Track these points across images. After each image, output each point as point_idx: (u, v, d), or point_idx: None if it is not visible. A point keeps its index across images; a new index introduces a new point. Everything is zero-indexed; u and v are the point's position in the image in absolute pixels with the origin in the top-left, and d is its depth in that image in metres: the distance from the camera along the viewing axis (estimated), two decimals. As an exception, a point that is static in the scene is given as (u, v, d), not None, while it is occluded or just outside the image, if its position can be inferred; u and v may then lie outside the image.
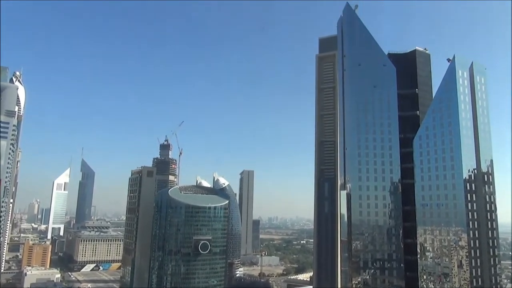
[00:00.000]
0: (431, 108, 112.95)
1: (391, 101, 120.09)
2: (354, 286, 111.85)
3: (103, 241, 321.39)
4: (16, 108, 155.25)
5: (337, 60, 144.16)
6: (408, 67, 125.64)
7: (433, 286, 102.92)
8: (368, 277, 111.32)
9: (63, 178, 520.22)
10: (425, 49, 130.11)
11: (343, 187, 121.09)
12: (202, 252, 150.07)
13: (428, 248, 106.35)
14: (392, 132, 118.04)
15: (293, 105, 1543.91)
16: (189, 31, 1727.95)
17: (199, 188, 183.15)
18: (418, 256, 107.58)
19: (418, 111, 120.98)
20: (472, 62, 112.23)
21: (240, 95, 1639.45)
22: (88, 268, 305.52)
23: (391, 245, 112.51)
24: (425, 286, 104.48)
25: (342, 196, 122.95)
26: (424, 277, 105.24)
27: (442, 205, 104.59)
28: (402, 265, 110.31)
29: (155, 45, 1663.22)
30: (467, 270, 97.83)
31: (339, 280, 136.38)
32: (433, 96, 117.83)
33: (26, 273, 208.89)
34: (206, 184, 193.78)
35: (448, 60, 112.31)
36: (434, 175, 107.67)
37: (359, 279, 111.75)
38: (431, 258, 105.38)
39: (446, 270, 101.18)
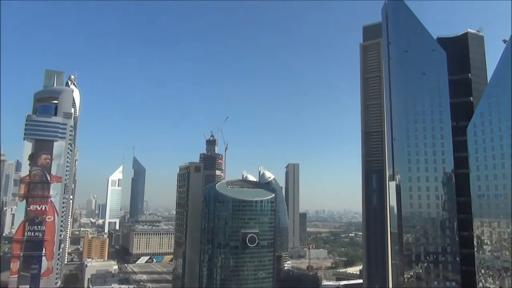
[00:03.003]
0: (486, 93, 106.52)
1: (441, 88, 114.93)
2: (406, 279, 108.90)
3: (156, 234, 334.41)
4: (72, 110, 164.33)
5: (382, 48, 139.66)
6: (460, 51, 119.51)
7: (492, 281, 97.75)
8: (421, 270, 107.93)
9: (117, 175, 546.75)
10: (478, 30, 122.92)
11: (392, 178, 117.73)
12: (250, 245, 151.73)
13: (485, 241, 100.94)
14: (443, 120, 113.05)
15: (339, 96, 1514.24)
16: (232, 28, 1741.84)
17: (245, 182, 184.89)
18: (475, 249, 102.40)
19: (471, 97, 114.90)
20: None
21: (283, 88, 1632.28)
22: (142, 260, 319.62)
23: (445, 238, 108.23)
24: (483, 280, 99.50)
25: (391, 187, 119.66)
26: (482, 271, 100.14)
27: (501, 195, 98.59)
28: (457, 258, 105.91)
29: (201, 43, 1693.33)
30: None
31: (390, 274, 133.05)
32: (488, 80, 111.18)
33: (86, 265, 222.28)
34: (252, 178, 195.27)
35: (504, 41, 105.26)
36: (491, 164, 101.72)
37: (411, 273, 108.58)
38: (489, 251, 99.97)
39: (506, 264, 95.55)
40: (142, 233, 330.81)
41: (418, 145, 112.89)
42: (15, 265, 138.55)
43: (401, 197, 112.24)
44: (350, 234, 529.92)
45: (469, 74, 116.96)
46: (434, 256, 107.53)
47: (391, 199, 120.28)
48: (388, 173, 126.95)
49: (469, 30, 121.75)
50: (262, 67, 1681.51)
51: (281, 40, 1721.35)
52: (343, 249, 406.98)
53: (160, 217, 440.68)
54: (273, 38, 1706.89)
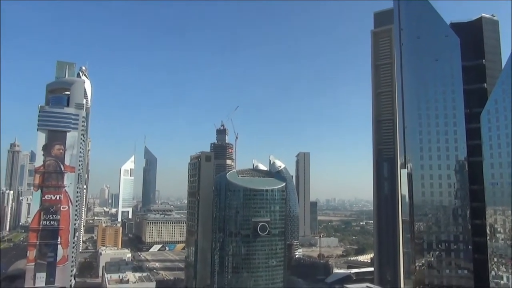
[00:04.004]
0: (500, 80, 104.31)
1: (454, 74, 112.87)
2: (417, 268, 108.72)
3: (168, 223, 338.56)
4: (84, 101, 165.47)
5: (393, 34, 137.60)
6: (474, 36, 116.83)
7: (504, 269, 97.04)
8: (432, 259, 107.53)
9: (129, 164, 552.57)
10: (492, 15, 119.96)
11: (404, 166, 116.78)
12: (261, 233, 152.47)
13: (498, 229, 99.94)
14: (456, 107, 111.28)
15: (349, 84, 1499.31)
16: (242, 18, 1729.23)
17: (256, 171, 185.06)
18: (488, 237, 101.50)
19: (485, 84, 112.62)
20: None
21: (293, 76, 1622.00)
22: (155, 248, 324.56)
23: (457, 226, 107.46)
24: (496, 269, 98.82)
25: (402, 175, 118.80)
26: (495, 259, 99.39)
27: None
28: (470, 247, 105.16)
29: (211, 32, 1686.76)
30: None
31: (402, 262, 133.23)
32: (503, 66, 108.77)
33: (101, 253, 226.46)
34: (262, 167, 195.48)
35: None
36: (505, 152, 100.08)
37: (423, 261, 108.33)
38: (502, 240, 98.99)
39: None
40: (155, 222, 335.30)
41: (430, 132, 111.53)
42: (31, 253, 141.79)
43: (412, 185, 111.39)
44: (361, 223, 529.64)
45: (483, 60, 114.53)
46: (446, 244, 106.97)
47: (403, 187, 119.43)
48: (399, 161, 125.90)
49: (483, 14, 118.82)
50: (273, 56, 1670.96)
51: (291, 28, 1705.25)
52: (354, 237, 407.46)
53: (172, 206, 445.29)
54: (283, 27, 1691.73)
